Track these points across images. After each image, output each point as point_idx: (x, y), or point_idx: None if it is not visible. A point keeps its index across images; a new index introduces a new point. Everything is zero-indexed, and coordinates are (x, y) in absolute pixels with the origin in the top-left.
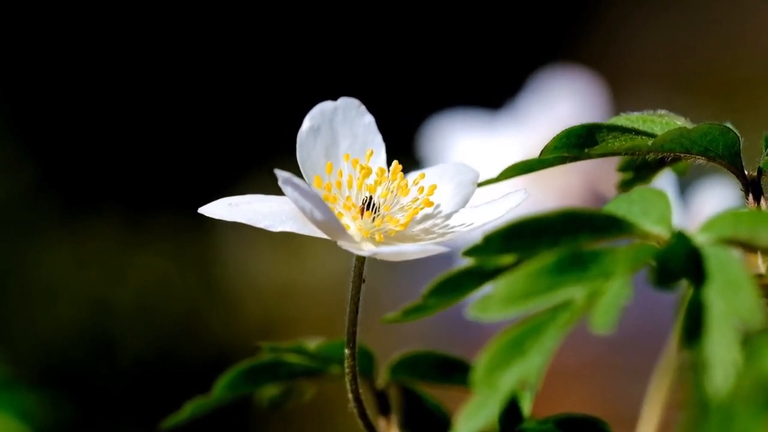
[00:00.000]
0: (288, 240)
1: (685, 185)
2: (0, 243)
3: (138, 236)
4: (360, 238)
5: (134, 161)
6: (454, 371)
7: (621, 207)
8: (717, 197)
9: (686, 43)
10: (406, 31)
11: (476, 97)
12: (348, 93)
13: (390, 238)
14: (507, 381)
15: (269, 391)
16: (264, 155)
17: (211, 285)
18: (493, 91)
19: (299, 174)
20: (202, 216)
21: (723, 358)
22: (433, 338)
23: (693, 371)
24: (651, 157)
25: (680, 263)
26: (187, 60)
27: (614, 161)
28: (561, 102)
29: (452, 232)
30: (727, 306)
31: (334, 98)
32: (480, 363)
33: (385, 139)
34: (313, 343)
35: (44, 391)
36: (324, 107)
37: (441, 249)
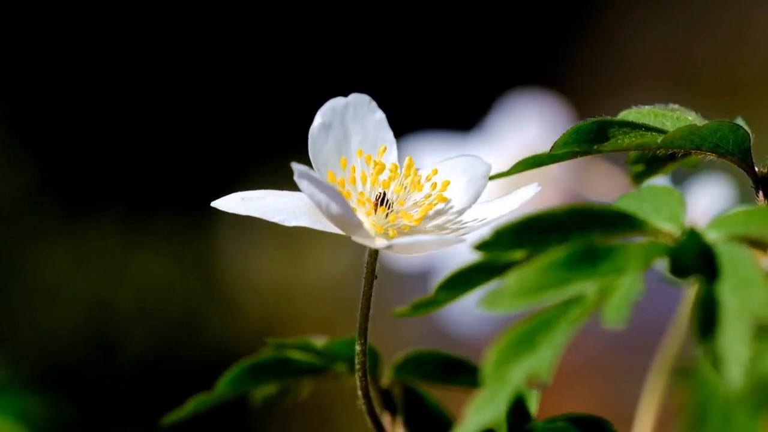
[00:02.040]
0: (288, 240)
1: (678, 180)
2: (0, 243)
3: (138, 236)
4: (374, 234)
5: (134, 161)
6: (457, 372)
7: (631, 204)
8: (712, 192)
9: (686, 43)
10: (380, 48)
11: (451, 117)
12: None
13: (403, 233)
14: (517, 375)
15: (265, 390)
16: (264, 155)
17: (211, 285)
18: (476, 107)
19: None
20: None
21: (737, 354)
22: (437, 339)
23: (707, 367)
24: (661, 152)
25: (692, 260)
26: (188, 59)
27: (592, 166)
28: (530, 125)
29: (465, 227)
30: (740, 303)
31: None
32: (490, 356)
33: None
34: (318, 341)
35: (44, 391)
36: (335, 103)
37: (457, 240)
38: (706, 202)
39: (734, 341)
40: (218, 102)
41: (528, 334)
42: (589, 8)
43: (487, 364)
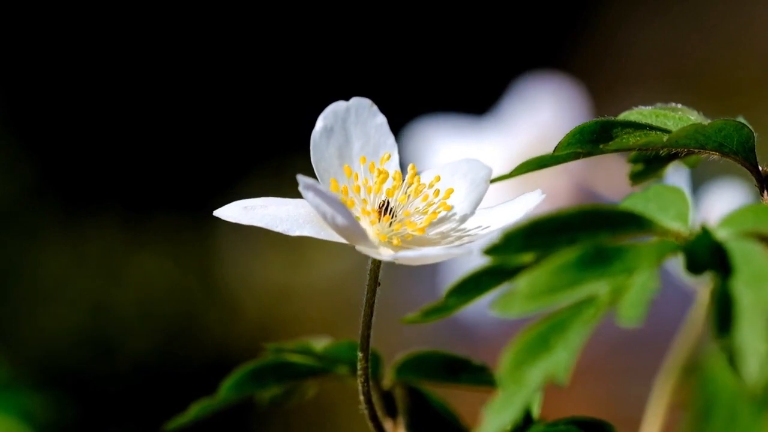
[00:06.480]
0: (288, 242)
1: (697, 183)
2: (0, 243)
3: (138, 237)
4: (378, 243)
5: (134, 162)
6: (459, 371)
7: (638, 204)
8: (728, 196)
9: (686, 43)
10: (392, 33)
11: (464, 101)
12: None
13: (407, 242)
14: (534, 377)
15: (271, 391)
16: (263, 156)
17: (211, 286)
18: (487, 94)
19: (311, 173)
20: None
21: (755, 347)
22: (437, 338)
23: (714, 364)
24: (664, 151)
25: (706, 257)
26: (188, 60)
27: (604, 160)
28: (543, 108)
29: (469, 235)
30: (755, 298)
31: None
32: (506, 359)
33: None
34: (319, 344)
35: (45, 391)
36: (336, 107)
37: (464, 251)
38: (723, 205)
39: (750, 336)
40: (219, 102)
41: (543, 336)
42: (589, 8)
43: (504, 366)
